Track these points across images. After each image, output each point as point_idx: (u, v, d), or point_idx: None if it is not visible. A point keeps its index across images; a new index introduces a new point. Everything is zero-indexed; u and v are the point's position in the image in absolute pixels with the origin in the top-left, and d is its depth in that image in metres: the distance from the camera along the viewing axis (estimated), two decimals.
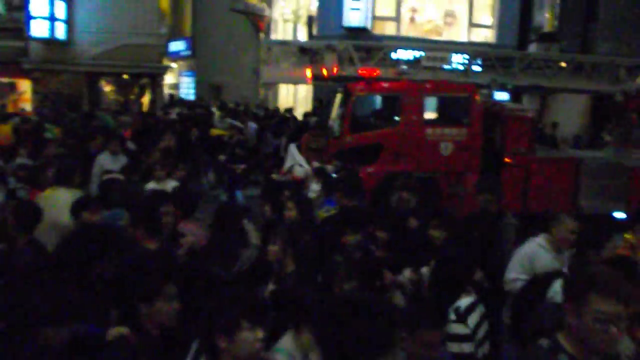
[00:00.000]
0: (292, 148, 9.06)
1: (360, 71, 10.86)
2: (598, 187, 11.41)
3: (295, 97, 22.85)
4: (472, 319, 3.40)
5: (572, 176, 11.34)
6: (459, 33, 21.08)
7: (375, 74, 10.84)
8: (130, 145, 11.49)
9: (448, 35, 20.90)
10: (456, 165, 10.91)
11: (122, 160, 7.81)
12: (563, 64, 12.92)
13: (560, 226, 4.42)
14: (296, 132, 14.95)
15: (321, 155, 12.55)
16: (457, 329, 3.32)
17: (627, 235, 4.48)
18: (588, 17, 21.38)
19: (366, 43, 12.98)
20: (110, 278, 3.17)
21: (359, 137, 10.89)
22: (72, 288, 3.03)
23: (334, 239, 4.71)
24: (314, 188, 7.19)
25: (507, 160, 11.12)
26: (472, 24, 21.17)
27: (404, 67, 11.30)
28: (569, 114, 20.66)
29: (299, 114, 18.39)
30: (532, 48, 19.56)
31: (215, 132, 12.69)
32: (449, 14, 21.11)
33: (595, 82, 12.34)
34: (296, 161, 8.73)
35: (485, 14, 21.44)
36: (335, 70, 11.57)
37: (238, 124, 13.55)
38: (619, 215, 11.61)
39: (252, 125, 16.31)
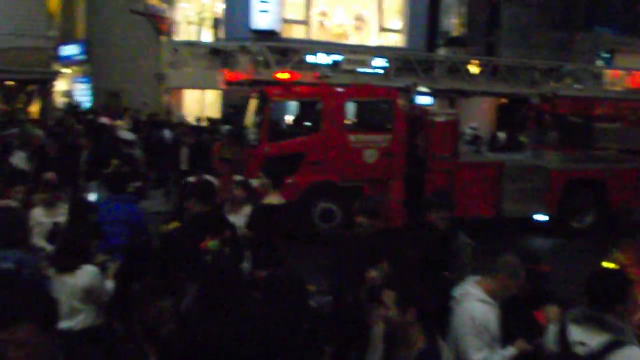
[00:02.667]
0: None
1: (276, 75, 10.06)
2: (519, 190, 11.34)
3: (202, 103, 21.65)
4: None
5: (495, 180, 11.20)
6: (369, 37, 20.89)
7: (293, 77, 10.09)
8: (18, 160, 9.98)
9: (358, 39, 20.65)
10: (381, 173, 10.43)
11: None
12: (474, 68, 12.85)
13: (516, 278, 3.47)
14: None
15: (234, 166, 11.66)
16: None
17: (617, 254, 3.94)
18: (492, 23, 22.00)
19: (282, 45, 12.21)
20: None
21: (278, 145, 10.12)
22: None
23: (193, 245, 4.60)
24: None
25: (430, 166, 10.79)
26: (381, 29, 21.05)
27: (325, 70, 10.65)
28: (475, 116, 21.10)
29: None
30: (441, 52, 19.71)
31: None
32: (359, 18, 20.86)
33: (510, 85, 12.32)
34: None
35: (394, 18, 21.40)
36: (250, 73, 10.71)
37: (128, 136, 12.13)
38: (540, 217, 11.66)
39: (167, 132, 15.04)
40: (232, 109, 14.89)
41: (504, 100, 19.68)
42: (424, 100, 11.18)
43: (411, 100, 11.10)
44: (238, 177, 6.76)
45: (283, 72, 10.40)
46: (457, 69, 12.35)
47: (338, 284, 4.76)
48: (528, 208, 11.39)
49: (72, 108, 19.71)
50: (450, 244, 4.71)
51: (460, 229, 4.80)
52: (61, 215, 5.56)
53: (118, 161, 9.64)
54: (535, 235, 11.66)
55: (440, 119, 10.78)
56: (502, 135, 18.40)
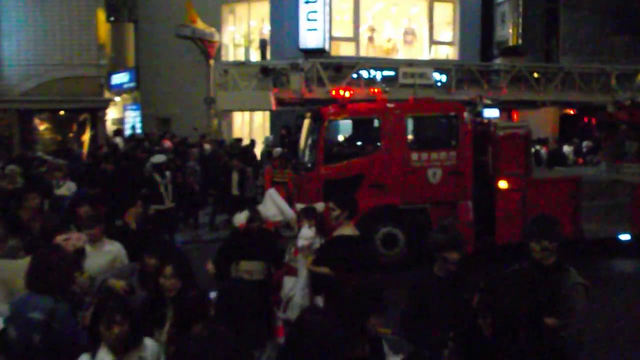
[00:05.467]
0: (273, 194, 7.17)
1: (338, 92, 9.46)
2: (599, 207, 10.35)
3: (250, 125, 21.34)
4: None
5: (572, 198, 10.25)
6: (420, 51, 20.19)
7: (349, 94, 9.48)
8: (65, 189, 9.72)
9: (408, 53, 19.97)
10: (447, 194, 9.66)
11: None
12: (536, 75, 11.94)
13: None
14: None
15: (287, 189, 11.11)
16: None
17: None
18: (549, 31, 20.97)
19: (335, 61, 11.62)
20: None
21: (335, 167, 9.50)
22: None
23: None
24: (306, 234, 5.80)
25: (501, 184, 9.94)
26: (432, 41, 20.32)
27: (382, 85, 10.01)
28: (536, 127, 19.95)
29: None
30: (497, 62, 18.76)
31: None
32: (409, 32, 20.20)
33: (584, 94, 11.34)
34: (280, 208, 6.92)
35: (445, 30, 20.64)
36: (303, 92, 10.18)
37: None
38: (625, 237, 10.60)
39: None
40: (283, 130, 14.41)
41: (567, 111, 18.57)
42: (490, 113, 10.36)
43: (478, 114, 10.30)
44: (299, 205, 6.18)
45: (342, 88, 9.77)
46: (519, 79, 11.46)
47: (418, 332, 4.06)
48: (610, 227, 10.38)
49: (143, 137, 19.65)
50: (557, 283, 3.88)
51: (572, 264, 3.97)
52: (106, 252, 5.10)
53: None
54: (619, 256, 10.65)
55: (509, 132, 9.94)
56: (568, 148, 17.30)
